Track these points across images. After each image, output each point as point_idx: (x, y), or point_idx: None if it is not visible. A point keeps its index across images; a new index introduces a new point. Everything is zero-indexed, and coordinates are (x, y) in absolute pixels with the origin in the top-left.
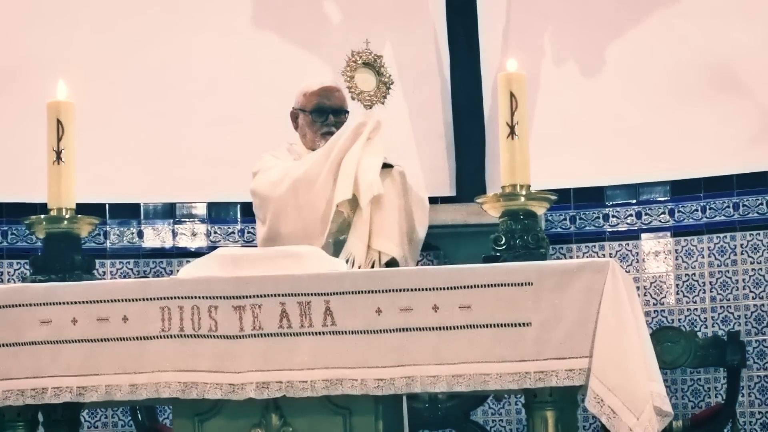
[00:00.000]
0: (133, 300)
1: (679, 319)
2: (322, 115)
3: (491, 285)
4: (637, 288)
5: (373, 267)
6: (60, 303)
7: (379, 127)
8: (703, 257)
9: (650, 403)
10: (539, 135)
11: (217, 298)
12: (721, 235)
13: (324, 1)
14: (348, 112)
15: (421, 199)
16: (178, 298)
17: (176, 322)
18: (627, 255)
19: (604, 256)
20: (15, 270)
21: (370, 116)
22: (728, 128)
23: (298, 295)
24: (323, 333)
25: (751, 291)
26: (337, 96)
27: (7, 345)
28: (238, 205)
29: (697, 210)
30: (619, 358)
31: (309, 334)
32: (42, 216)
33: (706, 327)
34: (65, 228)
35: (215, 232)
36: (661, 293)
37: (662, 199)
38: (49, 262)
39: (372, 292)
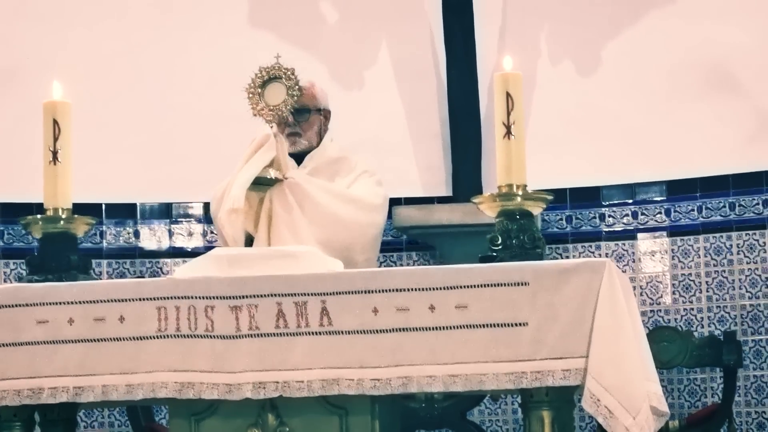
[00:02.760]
0: (129, 300)
1: (676, 319)
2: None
3: (487, 285)
4: (634, 288)
5: None
6: (56, 303)
7: (266, 140)
8: (699, 257)
9: (647, 403)
10: (535, 135)
11: (213, 298)
12: (718, 234)
13: (320, 1)
14: (319, 110)
15: (352, 199)
16: (175, 298)
17: (173, 322)
18: (623, 255)
19: (600, 255)
20: (11, 270)
21: (264, 131)
22: (724, 128)
23: (295, 295)
24: (319, 333)
25: (747, 291)
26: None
27: (3, 345)
28: None
29: (693, 210)
30: (615, 358)
31: (305, 334)
32: (38, 216)
33: (703, 327)
34: (61, 228)
35: (212, 232)
36: (657, 293)
37: (658, 198)
38: (45, 262)
39: (368, 292)
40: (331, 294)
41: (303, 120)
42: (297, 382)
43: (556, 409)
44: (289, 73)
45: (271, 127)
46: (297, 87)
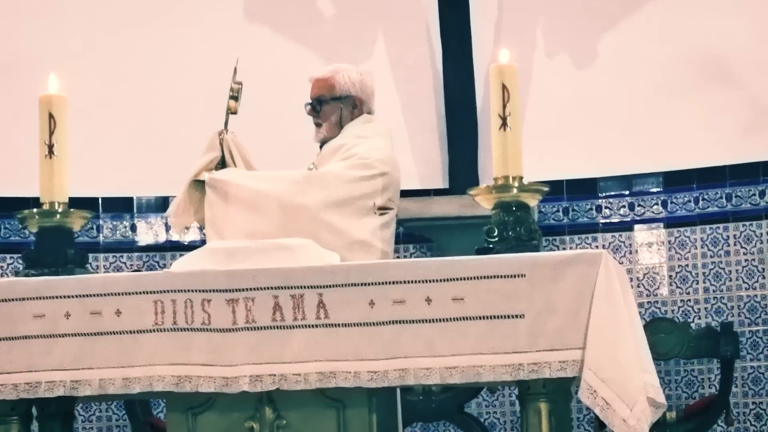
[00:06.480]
0: (126, 294)
1: (673, 311)
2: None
3: (484, 277)
4: (630, 279)
5: None
6: (53, 297)
7: (209, 143)
8: (696, 248)
9: (644, 395)
10: (531, 127)
11: (210, 291)
12: (714, 225)
13: None
14: (338, 98)
15: (274, 177)
16: (171, 291)
17: (169, 315)
18: (620, 246)
19: (597, 247)
20: (8, 264)
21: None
22: (720, 119)
23: (291, 288)
24: (316, 326)
25: (744, 282)
26: (316, 85)
27: (0, 339)
28: None
29: (689, 201)
30: (612, 350)
31: (302, 327)
32: (35, 210)
33: (700, 318)
34: (58, 222)
35: None
36: (654, 284)
37: (655, 190)
38: (42, 256)
39: (365, 284)
40: (327, 287)
41: (321, 110)
42: (294, 375)
43: (553, 400)
44: (233, 84)
45: (221, 131)
46: (230, 98)
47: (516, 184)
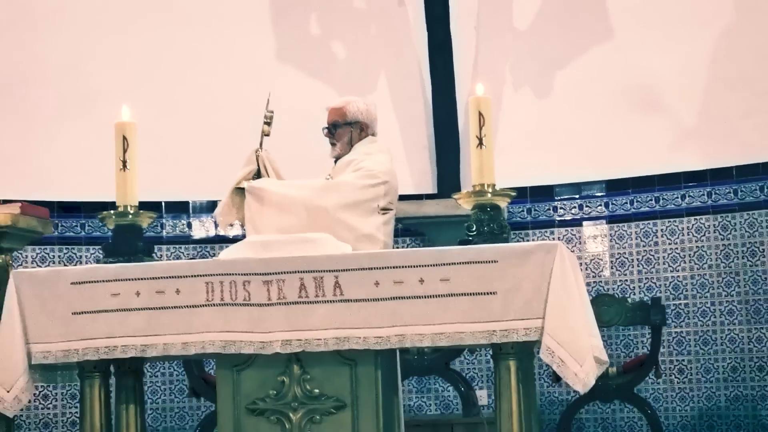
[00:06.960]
0: (183, 277)
1: (613, 288)
2: (325, 130)
3: (465, 262)
4: (580, 264)
5: None
6: (126, 279)
7: (247, 158)
8: (631, 240)
9: (591, 354)
10: (502, 145)
11: (250, 274)
12: (646, 222)
13: (332, 42)
14: (349, 123)
15: (302, 184)
16: (220, 275)
17: (218, 293)
18: (572, 238)
19: (553, 239)
20: (91, 254)
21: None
22: (651, 138)
23: (314, 271)
24: (334, 301)
25: (669, 266)
26: (330, 112)
27: (86, 312)
28: None
29: (626, 203)
30: (566, 319)
31: (322, 302)
32: (112, 211)
33: (635, 294)
34: (130, 221)
35: None
36: (598, 268)
37: (599, 194)
38: (117, 247)
39: (371, 269)
40: (342, 270)
41: (335, 134)
42: (316, 340)
43: (520, 359)
44: (266, 112)
45: (256, 149)
46: (264, 123)
47: (490, 190)
